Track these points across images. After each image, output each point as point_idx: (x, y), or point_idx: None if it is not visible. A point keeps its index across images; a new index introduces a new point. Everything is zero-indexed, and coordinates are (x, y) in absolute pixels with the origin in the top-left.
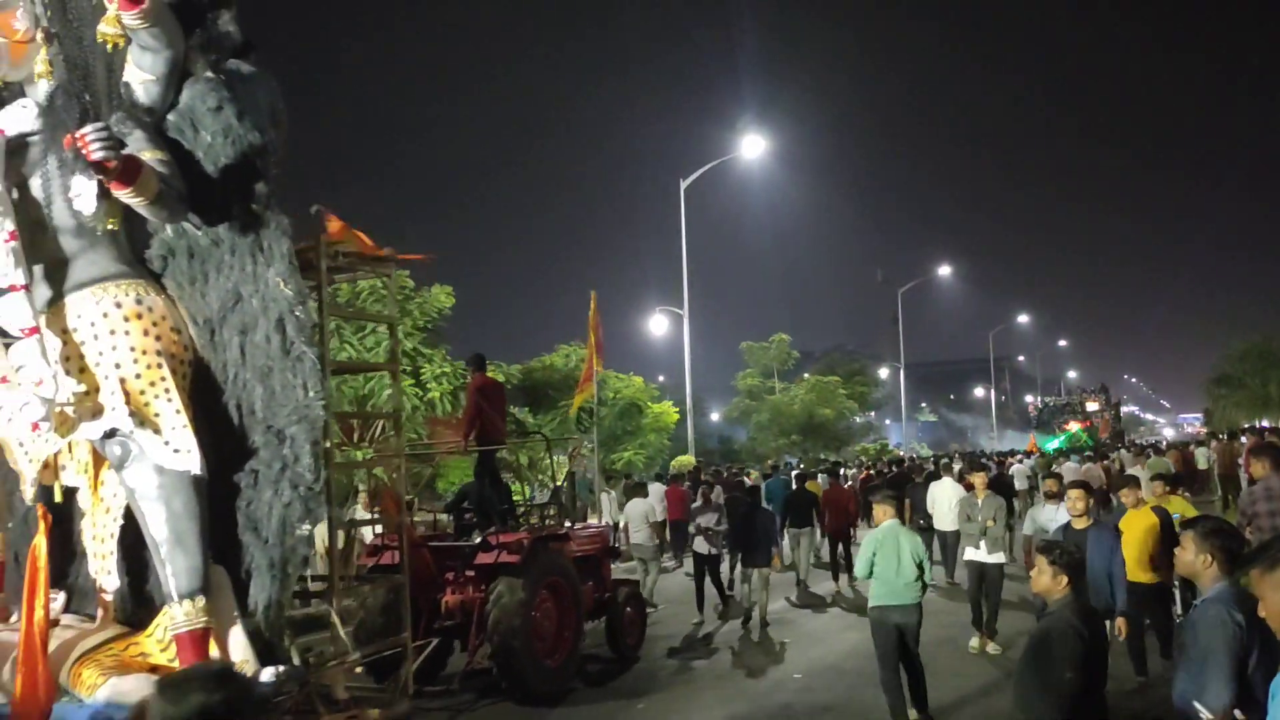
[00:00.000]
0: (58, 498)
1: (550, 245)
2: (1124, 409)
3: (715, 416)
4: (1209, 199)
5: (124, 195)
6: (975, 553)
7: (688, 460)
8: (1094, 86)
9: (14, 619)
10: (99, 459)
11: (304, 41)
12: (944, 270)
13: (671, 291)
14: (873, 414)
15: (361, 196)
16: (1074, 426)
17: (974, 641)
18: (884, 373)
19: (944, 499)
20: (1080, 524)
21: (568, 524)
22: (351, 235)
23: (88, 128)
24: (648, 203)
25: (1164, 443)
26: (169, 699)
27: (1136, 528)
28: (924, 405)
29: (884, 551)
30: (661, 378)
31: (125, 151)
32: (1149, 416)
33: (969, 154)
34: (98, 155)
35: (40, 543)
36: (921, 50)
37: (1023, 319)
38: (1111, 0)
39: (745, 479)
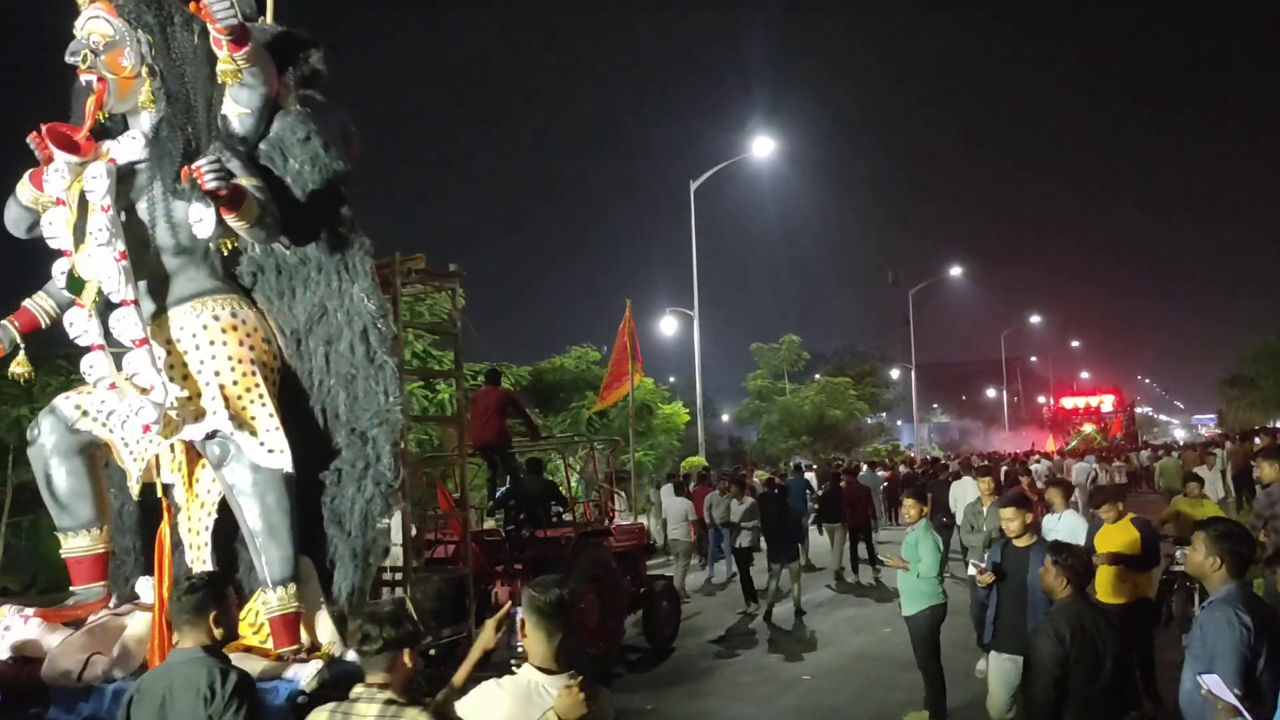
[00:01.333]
0: (159, 494)
1: (560, 246)
2: (1137, 410)
3: (725, 418)
4: (1225, 199)
5: (229, 219)
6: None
7: (698, 461)
8: (1110, 87)
9: (112, 603)
10: (191, 458)
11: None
12: (955, 271)
13: (682, 292)
14: (884, 415)
15: (365, 202)
16: (1088, 428)
17: (981, 665)
18: (895, 374)
19: (966, 498)
20: (1022, 542)
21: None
22: None
23: (202, 160)
24: (658, 203)
25: (1183, 442)
26: (539, 590)
27: (1115, 543)
28: (935, 406)
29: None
30: (672, 378)
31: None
32: (1163, 417)
33: (981, 154)
34: (211, 185)
35: (165, 530)
36: (934, 50)
37: (1035, 320)
38: (1119, 4)
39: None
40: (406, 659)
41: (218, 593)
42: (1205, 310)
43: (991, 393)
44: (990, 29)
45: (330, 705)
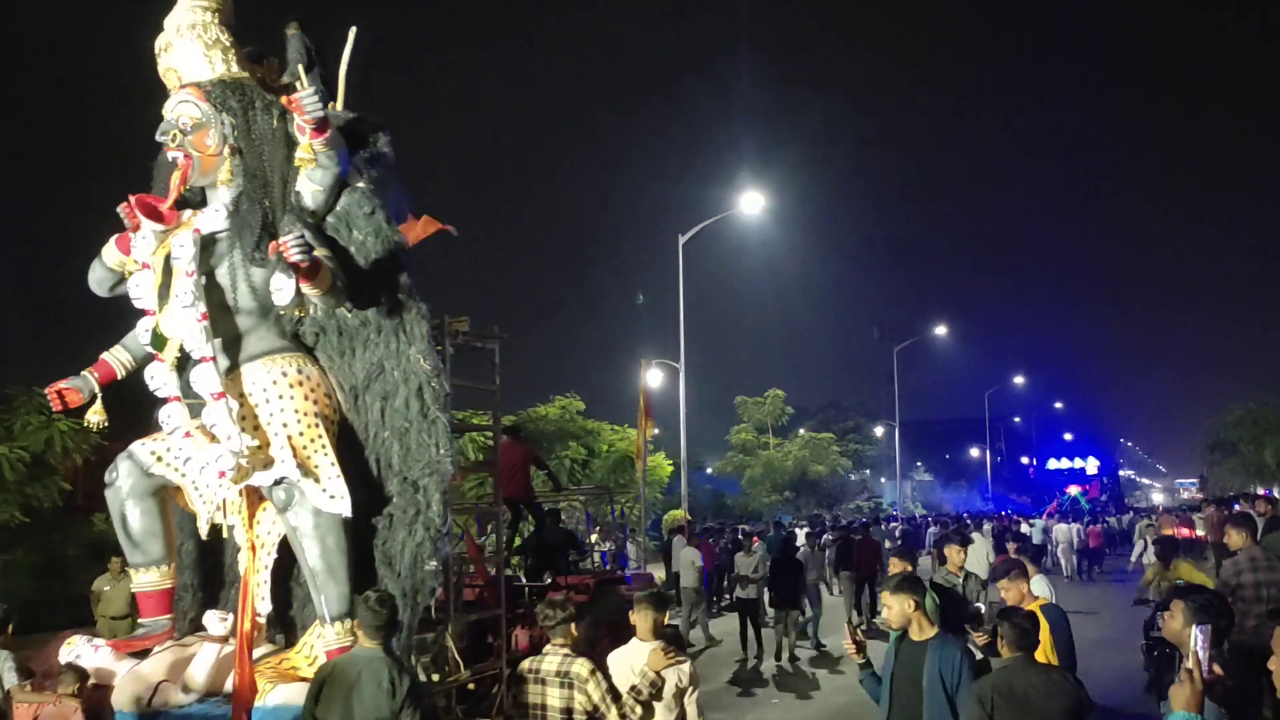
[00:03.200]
0: (224, 534)
1: (548, 296)
2: (1120, 473)
3: (709, 470)
4: (1211, 264)
5: (305, 288)
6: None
7: (680, 514)
8: (1093, 150)
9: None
10: (252, 502)
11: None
12: (940, 330)
13: (668, 345)
14: (867, 472)
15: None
16: (1074, 490)
17: None
18: (879, 431)
19: (974, 556)
20: (918, 634)
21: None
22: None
23: (288, 236)
24: (646, 257)
25: (1161, 508)
26: (642, 589)
27: None
28: (919, 464)
29: None
30: (656, 430)
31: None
32: (1145, 481)
33: (967, 214)
34: (295, 258)
35: (250, 567)
36: (921, 112)
37: (1019, 380)
38: (1106, 69)
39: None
40: (573, 629)
41: (396, 608)
42: (1191, 375)
43: (975, 452)
44: (975, 88)
45: (531, 656)
